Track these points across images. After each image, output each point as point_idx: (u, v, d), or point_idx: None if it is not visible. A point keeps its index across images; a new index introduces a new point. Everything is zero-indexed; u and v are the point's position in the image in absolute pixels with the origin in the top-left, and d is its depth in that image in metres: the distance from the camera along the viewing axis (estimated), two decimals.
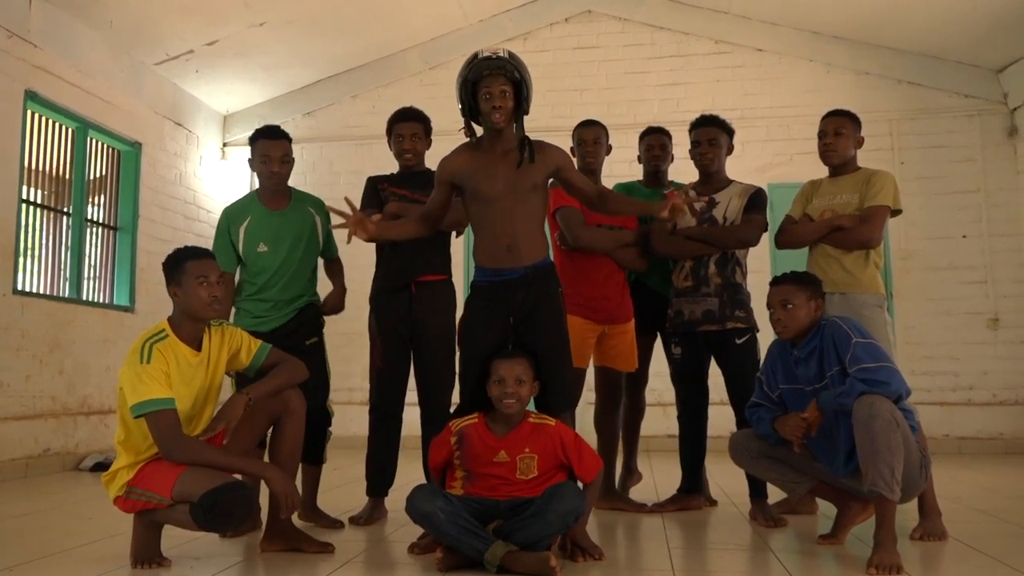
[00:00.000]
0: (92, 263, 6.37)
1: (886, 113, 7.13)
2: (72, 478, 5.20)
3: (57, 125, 6.01)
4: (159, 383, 2.57)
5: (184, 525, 2.59)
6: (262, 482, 2.86)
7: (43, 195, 5.95)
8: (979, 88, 7.09)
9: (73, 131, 6.14)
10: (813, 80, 7.31)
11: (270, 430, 2.89)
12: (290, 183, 3.56)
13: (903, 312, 6.94)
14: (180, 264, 2.73)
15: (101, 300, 6.40)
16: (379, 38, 7.50)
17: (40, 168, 5.86)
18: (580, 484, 2.77)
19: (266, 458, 2.95)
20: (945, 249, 6.99)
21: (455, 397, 3.57)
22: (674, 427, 3.86)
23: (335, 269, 3.67)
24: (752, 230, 3.64)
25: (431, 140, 3.67)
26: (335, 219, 2.96)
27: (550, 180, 3.01)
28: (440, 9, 7.29)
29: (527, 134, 2.94)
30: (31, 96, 5.54)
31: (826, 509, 3.44)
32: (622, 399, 3.93)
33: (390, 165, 3.74)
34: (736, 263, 3.69)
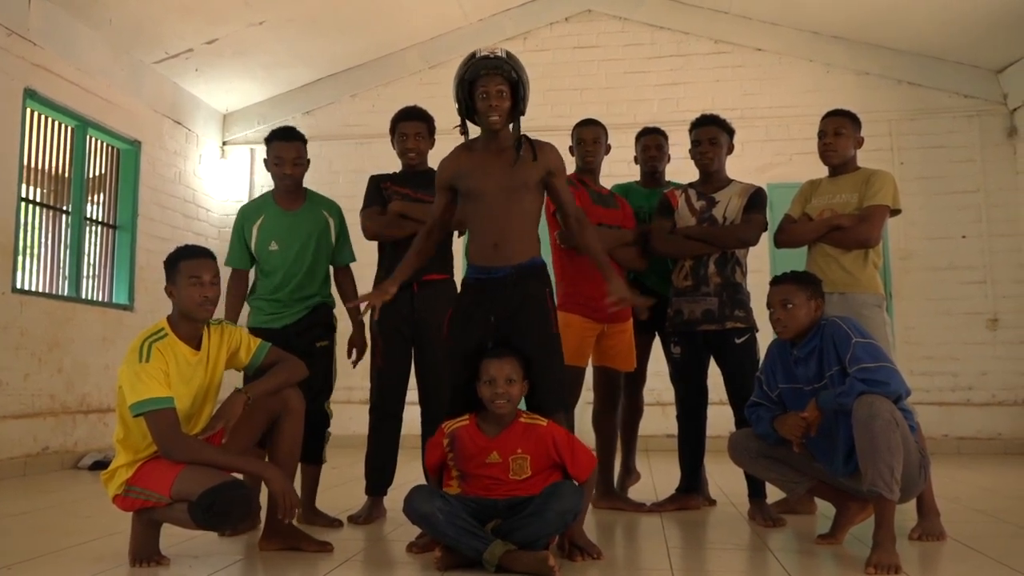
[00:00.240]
0: (91, 261, 6.36)
1: (886, 113, 7.13)
2: (71, 476, 5.20)
3: (56, 123, 6.00)
4: (158, 382, 2.57)
5: (183, 524, 2.59)
6: (262, 481, 2.85)
7: (42, 193, 5.95)
8: (979, 88, 7.10)
9: (72, 129, 6.14)
10: (813, 80, 7.31)
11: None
12: None
13: (902, 312, 6.94)
14: (175, 263, 2.74)
15: (100, 299, 6.40)
16: (379, 37, 7.50)
17: (39, 166, 5.86)
18: (575, 483, 2.76)
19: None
20: (944, 249, 7.00)
21: None
22: (673, 427, 3.86)
23: (345, 280, 3.62)
24: (752, 230, 3.64)
25: (434, 140, 3.67)
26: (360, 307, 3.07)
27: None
28: (440, 8, 7.29)
29: (525, 133, 2.93)
30: (30, 94, 5.54)
31: (825, 509, 3.44)
32: (620, 399, 3.93)
33: (389, 164, 3.74)
34: (736, 263, 3.69)
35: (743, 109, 7.09)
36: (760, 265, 5.93)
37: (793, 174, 6.16)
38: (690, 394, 3.78)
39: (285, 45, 7.16)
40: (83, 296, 6.15)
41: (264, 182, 7.91)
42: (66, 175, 6.10)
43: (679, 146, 4.20)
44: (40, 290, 5.77)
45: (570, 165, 3.45)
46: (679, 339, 3.74)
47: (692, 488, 3.81)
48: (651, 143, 4.13)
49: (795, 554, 2.89)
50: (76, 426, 5.75)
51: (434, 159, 3.67)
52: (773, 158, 7.11)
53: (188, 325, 2.73)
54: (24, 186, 5.55)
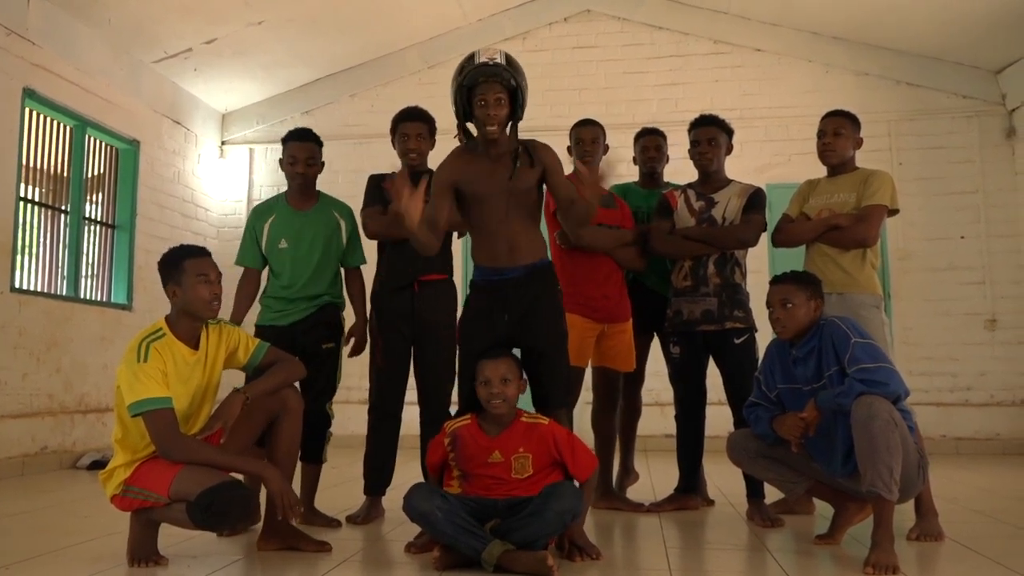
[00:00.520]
0: (90, 261, 6.36)
1: (885, 114, 7.13)
2: (69, 476, 5.20)
3: (55, 123, 6.00)
4: (156, 382, 2.57)
5: (181, 524, 2.59)
6: (261, 481, 2.85)
7: (41, 193, 5.94)
8: (978, 89, 7.10)
9: (71, 129, 6.13)
10: (812, 81, 7.31)
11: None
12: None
13: (901, 313, 6.95)
14: (178, 263, 2.73)
15: (99, 298, 6.40)
16: (378, 37, 7.50)
17: (38, 166, 5.86)
18: (576, 483, 2.77)
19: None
20: (943, 250, 7.00)
21: (454, 396, 3.58)
22: (672, 427, 3.86)
23: (354, 282, 3.63)
24: (751, 230, 3.64)
25: (435, 140, 3.68)
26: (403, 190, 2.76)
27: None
28: (439, 8, 7.29)
29: (524, 133, 2.93)
30: (29, 94, 5.53)
31: (823, 509, 3.44)
32: (619, 399, 3.93)
33: (389, 164, 3.74)
34: (735, 263, 3.69)
35: (742, 109, 7.10)
36: (759, 265, 5.93)
37: (792, 174, 6.16)
38: (689, 394, 3.78)
39: (284, 45, 7.16)
40: (82, 296, 6.14)
41: (263, 181, 7.91)
42: (65, 175, 6.10)
43: (678, 146, 4.20)
44: (39, 290, 5.77)
45: (568, 165, 3.45)
46: (678, 339, 3.74)
47: (691, 488, 3.81)
48: (650, 144, 4.13)
49: (793, 554, 2.89)
50: (74, 426, 5.74)
51: (434, 159, 3.67)
52: (772, 158, 7.11)
53: (188, 325, 2.73)
54: (23, 185, 5.55)
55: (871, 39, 7.17)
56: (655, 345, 4.08)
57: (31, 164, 5.74)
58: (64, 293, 5.95)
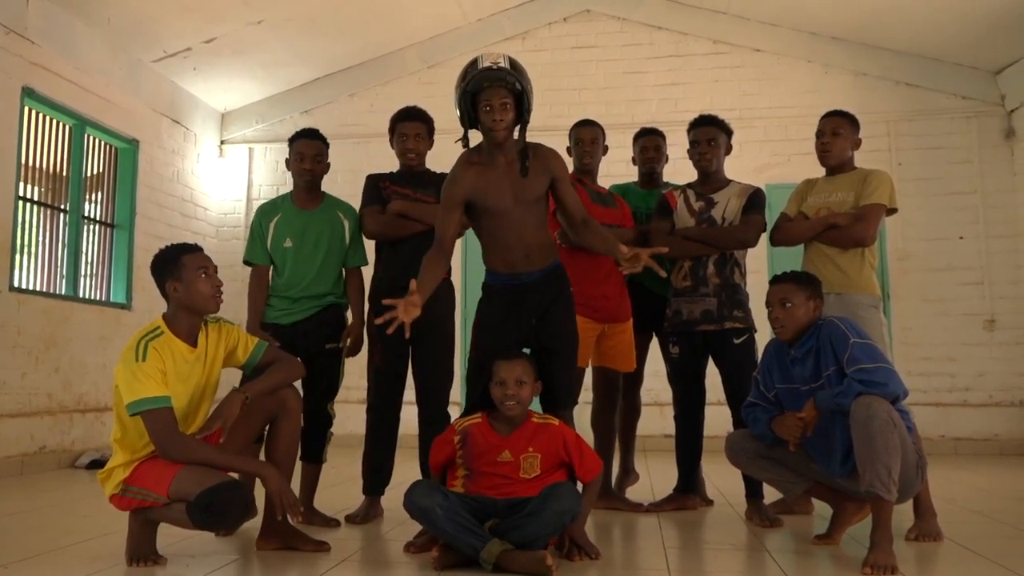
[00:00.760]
0: (89, 260, 6.36)
1: (884, 114, 7.14)
2: (68, 475, 5.19)
3: (54, 122, 6.00)
4: (154, 381, 2.57)
5: (180, 524, 2.59)
6: (260, 480, 2.85)
7: (40, 192, 5.94)
8: (977, 90, 7.11)
9: (70, 128, 6.13)
10: (811, 81, 7.31)
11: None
12: (286, 180, 3.59)
13: (900, 313, 6.95)
14: (176, 258, 2.72)
15: (98, 297, 6.39)
16: (377, 37, 7.49)
17: (37, 165, 5.85)
18: (580, 485, 2.78)
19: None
20: (942, 250, 7.00)
21: (453, 396, 3.58)
22: (671, 427, 3.87)
23: (354, 282, 3.62)
24: (750, 230, 3.64)
25: (433, 140, 3.68)
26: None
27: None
28: (439, 8, 7.29)
29: (528, 141, 2.93)
30: (28, 93, 5.53)
31: (822, 509, 3.45)
32: (619, 399, 3.93)
33: (388, 163, 3.74)
34: (735, 263, 3.69)
35: (741, 110, 7.10)
36: (759, 266, 5.94)
37: (791, 175, 6.15)
38: (688, 394, 3.78)
39: (284, 44, 7.16)
40: (80, 295, 6.14)
41: (262, 181, 7.91)
42: (64, 174, 6.09)
43: (677, 146, 4.20)
44: (37, 289, 5.77)
45: (568, 165, 3.44)
46: (678, 339, 3.74)
47: (690, 488, 3.81)
48: (649, 144, 4.13)
49: (792, 554, 2.89)
50: (73, 425, 5.74)
51: (433, 160, 3.68)
52: (771, 158, 7.11)
53: (188, 322, 2.73)
54: (22, 185, 5.54)
55: (870, 39, 7.17)
56: (654, 345, 4.08)
57: (30, 163, 5.73)
58: (63, 292, 5.95)
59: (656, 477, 4.78)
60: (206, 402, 2.80)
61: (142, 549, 2.64)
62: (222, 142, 8.06)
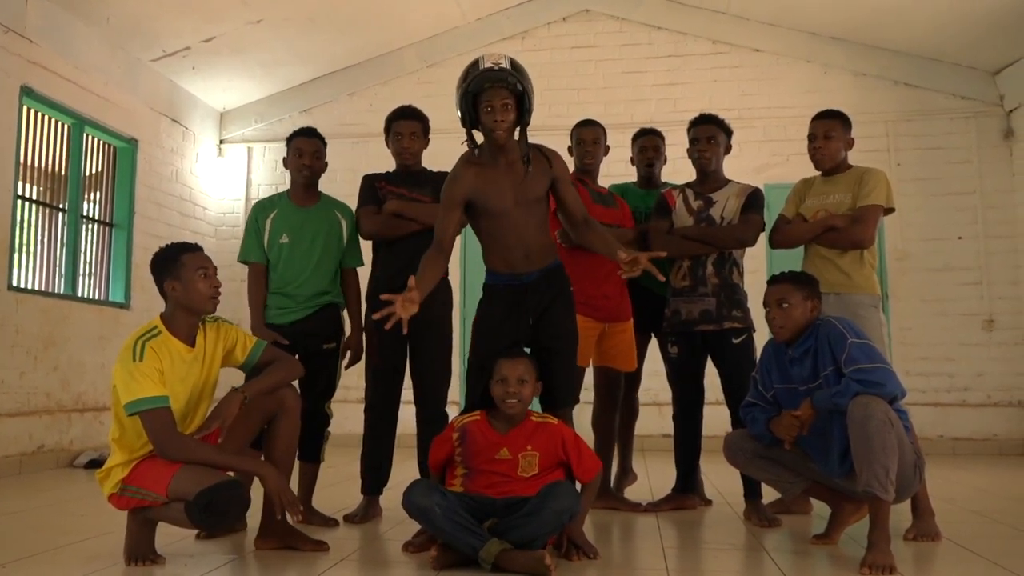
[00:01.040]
0: (87, 260, 6.35)
1: (883, 114, 7.14)
2: (66, 475, 5.19)
3: (53, 121, 5.99)
4: (152, 381, 2.56)
5: (179, 523, 2.59)
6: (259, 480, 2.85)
7: (39, 191, 5.94)
8: (976, 90, 7.11)
9: (69, 127, 6.12)
10: (810, 81, 7.31)
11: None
12: (285, 179, 3.59)
13: (899, 313, 6.95)
14: (176, 258, 2.72)
15: (96, 297, 6.39)
16: (376, 36, 7.49)
17: (36, 164, 5.85)
18: (578, 484, 2.77)
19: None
20: (941, 250, 7.01)
21: (452, 396, 3.58)
22: (669, 427, 3.87)
23: (350, 283, 3.63)
24: (749, 230, 3.64)
25: (429, 139, 3.68)
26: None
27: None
28: (438, 7, 7.29)
29: (530, 142, 2.93)
30: (27, 92, 5.52)
31: (820, 509, 3.45)
32: (620, 399, 3.93)
33: (387, 163, 3.74)
34: (733, 263, 3.69)
35: (741, 109, 7.10)
36: (757, 265, 5.94)
37: (790, 174, 6.12)
38: (687, 394, 3.78)
39: (283, 43, 7.16)
40: (79, 294, 6.14)
41: (261, 180, 7.91)
42: (62, 173, 6.09)
43: (677, 146, 4.20)
44: (36, 288, 5.76)
45: (569, 165, 3.44)
46: (676, 339, 3.74)
47: (688, 488, 3.81)
48: (648, 144, 4.13)
49: (790, 554, 2.89)
50: (72, 424, 5.74)
51: (431, 160, 3.67)
52: (770, 158, 7.11)
53: (186, 321, 2.72)
54: (20, 184, 5.54)
55: (869, 39, 7.17)
56: (653, 345, 4.08)
57: (29, 162, 5.73)
58: (62, 292, 5.95)
59: (655, 477, 4.78)
60: (204, 402, 2.80)
61: (141, 548, 2.64)
62: (221, 141, 8.05)
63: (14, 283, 5.41)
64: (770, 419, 3.01)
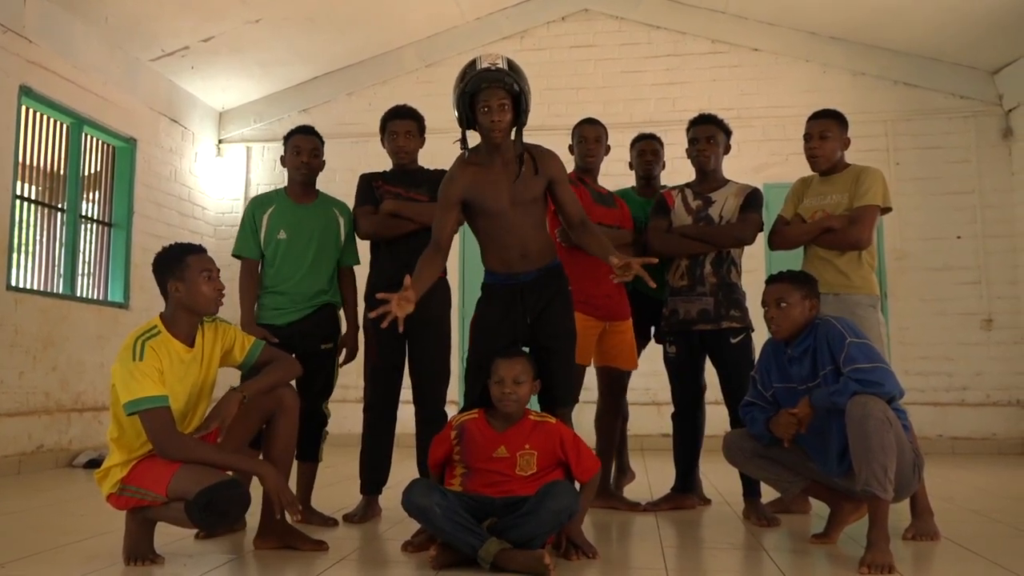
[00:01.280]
0: (86, 259, 6.35)
1: (882, 114, 7.15)
2: (65, 475, 5.19)
3: (52, 121, 5.99)
4: (152, 380, 2.56)
5: (178, 523, 2.59)
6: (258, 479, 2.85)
7: (37, 191, 5.93)
8: (975, 90, 7.11)
9: (68, 127, 6.12)
10: (810, 80, 7.32)
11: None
12: (284, 179, 3.59)
13: (897, 312, 6.96)
14: (182, 258, 2.72)
15: (95, 296, 6.39)
16: (375, 35, 7.49)
17: (34, 164, 5.85)
18: (577, 484, 2.77)
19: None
20: (940, 250, 7.01)
21: (450, 395, 3.58)
22: (668, 426, 3.86)
23: (347, 282, 3.63)
24: (748, 228, 3.65)
25: (424, 138, 3.68)
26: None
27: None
28: (437, 7, 7.28)
29: (526, 143, 2.93)
30: (26, 91, 5.52)
31: (819, 508, 3.45)
32: (624, 398, 3.94)
33: (385, 163, 3.74)
34: (731, 262, 3.69)
35: (740, 109, 7.10)
36: (756, 265, 5.94)
37: (789, 174, 6.11)
38: (686, 394, 3.78)
39: (282, 43, 7.16)
40: (78, 294, 6.13)
41: (260, 180, 7.90)
42: (61, 173, 6.09)
43: (676, 146, 4.20)
44: (35, 288, 5.76)
45: (569, 164, 3.44)
46: (675, 339, 3.74)
47: (687, 488, 3.81)
48: (647, 148, 4.13)
49: (789, 553, 2.90)
50: (71, 424, 5.73)
51: (429, 159, 3.67)
52: (769, 158, 7.11)
53: (187, 322, 2.72)
54: (19, 183, 5.54)
55: (868, 39, 7.18)
56: (651, 346, 4.08)
57: (27, 162, 5.73)
58: (61, 291, 5.94)
59: (654, 476, 4.78)
60: (203, 402, 2.80)
61: (140, 548, 2.63)
62: (220, 141, 8.05)
63: (13, 283, 5.41)
64: (769, 418, 3.01)
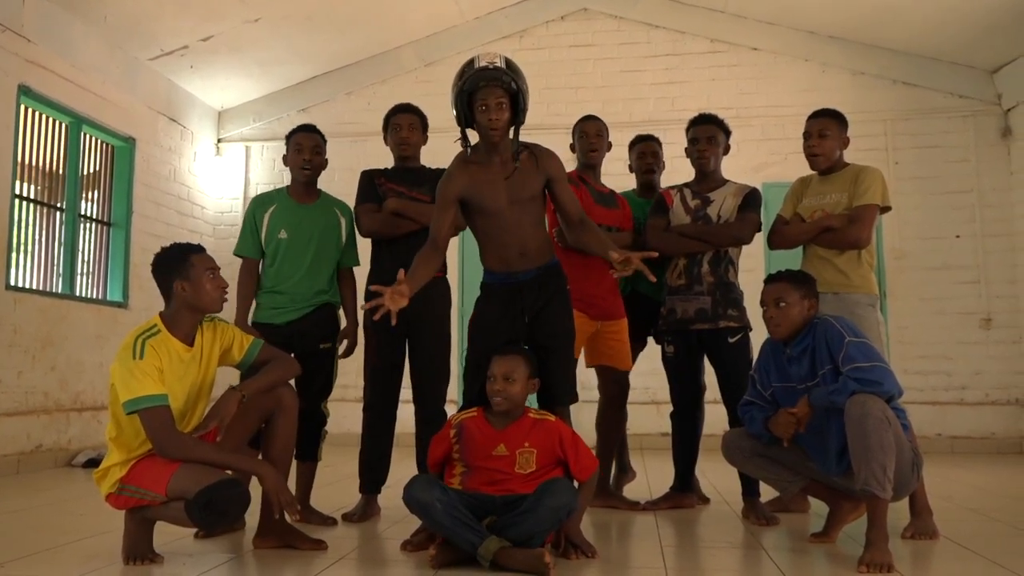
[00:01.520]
0: (85, 259, 6.35)
1: (881, 113, 7.15)
2: (64, 474, 5.19)
3: (51, 120, 5.99)
4: (152, 379, 2.56)
5: (178, 522, 2.59)
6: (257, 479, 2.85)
7: (36, 190, 5.93)
8: (973, 89, 7.12)
9: (67, 126, 6.12)
10: (809, 80, 7.32)
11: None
12: (283, 178, 3.58)
13: (896, 312, 6.96)
14: (186, 258, 2.72)
15: (94, 296, 6.38)
16: (374, 35, 7.49)
17: (33, 163, 5.84)
18: (575, 483, 2.77)
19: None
20: (938, 249, 7.02)
21: (450, 395, 3.58)
22: (667, 425, 3.86)
23: (347, 282, 3.62)
24: (746, 227, 3.65)
25: (427, 136, 3.68)
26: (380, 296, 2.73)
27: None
28: (436, 6, 7.28)
29: (524, 141, 2.94)
30: (24, 91, 5.52)
31: (818, 507, 3.45)
32: (627, 399, 3.93)
33: (385, 162, 3.74)
34: (729, 262, 3.69)
35: (739, 108, 7.10)
36: (755, 264, 5.94)
37: (788, 173, 6.11)
38: (684, 393, 3.78)
39: (281, 42, 7.15)
40: (77, 293, 6.13)
41: (259, 179, 7.90)
42: (60, 172, 6.08)
43: (675, 145, 4.20)
44: (34, 287, 5.76)
45: (571, 163, 3.43)
46: (673, 338, 3.74)
47: (686, 487, 3.81)
48: (646, 150, 4.13)
49: (788, 552, 2.90)
50: (70, 424, 5.73)
51: (427, 157, 3.67)
52: (768, 157, 7.12)
53: (189, 321, 2.72)
54: (18, 183, 5.53)
55: (868, 39, 7.18)
56: (650, 346, 4.08)
57: (26, 161, 5.72)
58: (60, 291, 5.94)
59: (653, 476, 4.78)
60: (202, 401, 2.80)
61: (139, 548, 2.63)
62: (219, 140, 8.04)
63: (12, 282, 5.40)
64: (768, 418, 3.01)
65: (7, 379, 5.21)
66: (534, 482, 2.64)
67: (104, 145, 6.62)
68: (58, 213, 6.03)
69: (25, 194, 5.74)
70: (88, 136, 6.36)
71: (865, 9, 6.73)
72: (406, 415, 3.51)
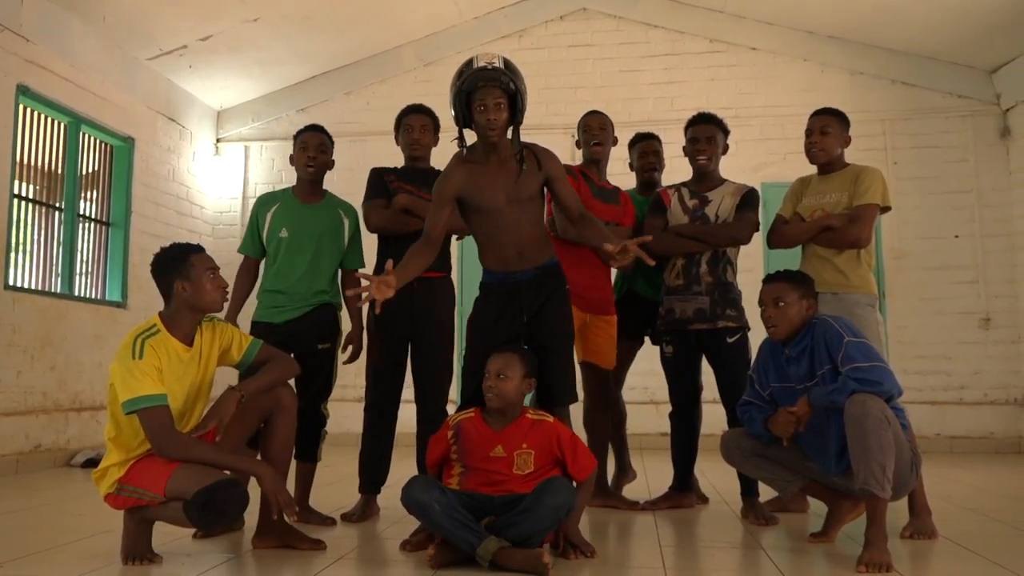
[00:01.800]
0: (84, 258, 6.35)
1: (880, 113, 7.15)
2: (63, 474, 5.19)
3: (49, 120, 5.98)
4: (151, 379, 2.56)
5: (177, 522, 2.59)
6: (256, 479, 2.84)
7: (35, 190, 5.92)
8: (972, 89, 7.12)
9: (65, 126, 6.12)
10: (808, 80, 7.32)
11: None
12: (282, 178, 3.58)
13: (895, 312, 6.97)
14: (186, 258, 2.72)
15: (93, 296, 6.38)
16: (374, 34, 7.49)
17: (32, 163, 5.84)
18: (573, 483, 2.77)
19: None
20: (937, 249, 7.02)
21: (452, 395, 3.58)
22: (666, 425, 3.86)
23: (349, 285, 3.59)
24: (744, 227, 3.65)
25: (438, 137, 3.68)
26: (364, 285, 2.75)
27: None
28: (435, 6, 7.28)
29: (524, 141, 2.94)
30: (23, 91, 5.51)
31: (817, 507, 3.46)
32: (611, 397, 3.92)
33: (384, 162, 3.74)
34: (727, 262, 3.69)
35: (738, 108, 7.10)
36: (753, 264, 5.94)
37: (787, 173, 6.12)
38: (683, 393, 3.78)
39: (280, 42, 7.15)
40: (76, 293, 6.13)
41: (258, 179, 7.90)
42: (59, 172, 6.08)
43: (674, 144, 4.19)
44: (33, 287, 5.75)
45: (576, 160, 3.39)
46: (671, 338, 3.74)
47: (685, 487, 3.81)
48: (647, 149, 4.13)
49: (787, 552, 2.90)
50: (69, 424, 5.73)
51: (436, 159, 3.67)
52: (767, 157, 7.12)
53: (189, 321, 2.72)
54: (17, 183, 5.53)
55: (866, 38, 7.18)
56: (648, 347, 4.08)
57: (25, 161, 5.72)
58: (58, 291, 5.94)
59: (652, 475, 4.79)
60: (201, 401, 2.80)
61: (138, 548, 2.63)
62: (218, 140, 8.04)
63: (11, 282, 5.40)
64: (767, 418, 3.01)
65: (6, 379, 5.20)
66: (532, 482, 2.64)
67: (103, 145, 6.61)
68: (57, 213, 6.03)
69: (24, 194, 5.73)
70: (87, 136, 6.36)
71: (864, 9, 6.73)
72: (406, 415, 3.51)
